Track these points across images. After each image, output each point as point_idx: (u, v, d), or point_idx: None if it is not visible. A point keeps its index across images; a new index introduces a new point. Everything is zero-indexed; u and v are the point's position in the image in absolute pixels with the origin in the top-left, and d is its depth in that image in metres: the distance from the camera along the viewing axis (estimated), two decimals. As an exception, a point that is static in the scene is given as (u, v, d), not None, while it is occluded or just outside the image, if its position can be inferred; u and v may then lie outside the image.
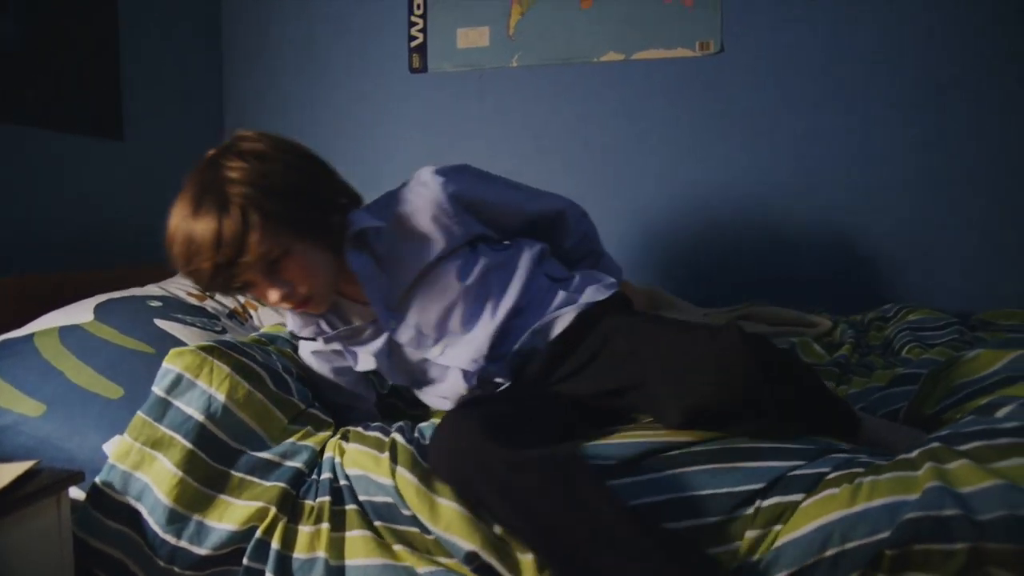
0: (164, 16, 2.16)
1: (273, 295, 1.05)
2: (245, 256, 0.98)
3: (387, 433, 1.09)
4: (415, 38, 2.25)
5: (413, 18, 2.24)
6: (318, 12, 2.33)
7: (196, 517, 1.04)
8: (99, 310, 1.42)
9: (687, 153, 2.06)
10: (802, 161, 1.98)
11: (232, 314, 1.72)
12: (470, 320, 1.14)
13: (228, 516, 1.03)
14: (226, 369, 1.11)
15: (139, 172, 2.07)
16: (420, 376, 1.23)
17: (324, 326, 1.24)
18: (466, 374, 1.15)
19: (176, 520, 1.03)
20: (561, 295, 1.17)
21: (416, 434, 1.08)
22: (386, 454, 1.03)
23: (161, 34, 2.15)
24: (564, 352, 1.12)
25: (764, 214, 2.02)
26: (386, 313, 1.15)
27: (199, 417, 1.07)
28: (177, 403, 1.08)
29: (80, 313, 1.39)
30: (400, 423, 1.13)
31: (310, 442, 1.11)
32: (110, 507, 1.05)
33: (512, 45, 2.16)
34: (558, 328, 1.13)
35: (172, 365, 1.11)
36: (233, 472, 1.07)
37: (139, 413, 1.08)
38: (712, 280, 2.05)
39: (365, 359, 1.22)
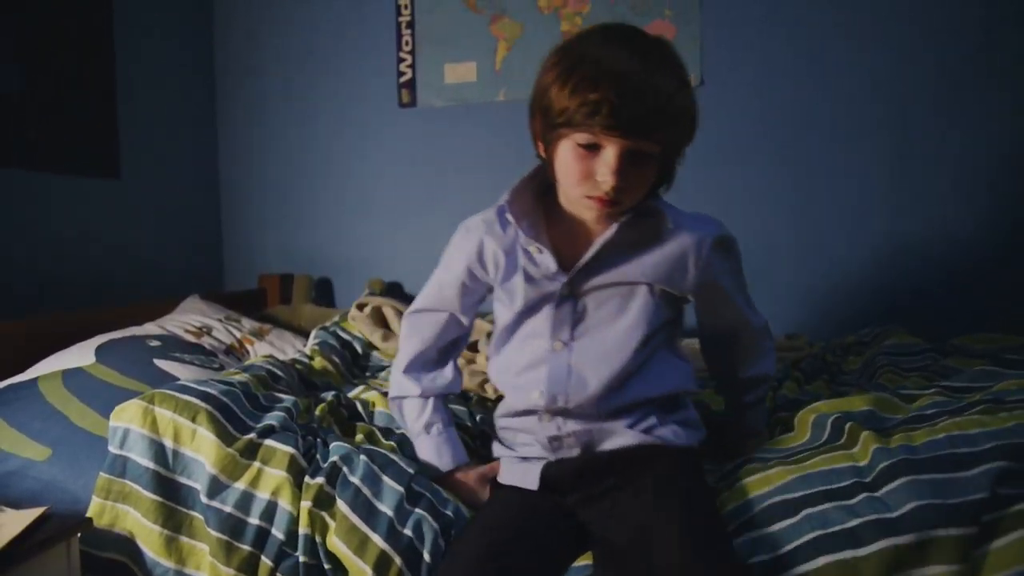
0: (159, 55, 2.22)
1: (610, 172, 0.89)
2: (654, 131, 0.89)
3: (375, 526, 1.04)
4: (404, 73, 2.31)
5: (402, 54, 2.31)
6: (309, 49, 2.39)
7: (173, 567, 1.10)
8: (100, 352, 1.46)
9: (670, 183, 2.12)
10: (780, 191, 2.05)
11: (229, 350, 1.76)
12: (613, 351, 1.01)
13: (204, 566, 1.09)
14: (168, 414, 1.15)
15: (136, 210, 2.12)
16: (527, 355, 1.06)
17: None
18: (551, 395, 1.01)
19: (161, 571, 1.10)
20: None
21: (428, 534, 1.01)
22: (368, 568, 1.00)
23: (156, 72, 2.20)
24: (601, 469, 1.01)
25: (744, 241, 2.08)
26: (571, 280, 1.00)
27: (152, 466, 1.13)
28: (132, 456, 1.14)
29: (82, 356, 1.44)
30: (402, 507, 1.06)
31: (265, 494, 1.11)
32: (99, 566, 1.12)
33: (499, 80, 2.23)
34: (618, 441, 1.02)
35: (118, 422, 1.16)
36: (195, 513, 1.12)
37: (101, 473, 1.13)
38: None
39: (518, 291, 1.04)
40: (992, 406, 1.03)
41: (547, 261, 1.00)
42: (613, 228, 0.97)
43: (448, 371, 1.20)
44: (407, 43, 2.30)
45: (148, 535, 1.11)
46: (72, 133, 1.89)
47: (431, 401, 1.16)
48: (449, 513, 1.04)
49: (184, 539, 1.12)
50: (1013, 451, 0.89)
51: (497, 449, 1.16)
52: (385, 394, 1.44)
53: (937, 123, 1.93)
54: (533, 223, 1.01)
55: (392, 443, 1.24)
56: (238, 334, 1.85)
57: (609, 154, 0.89)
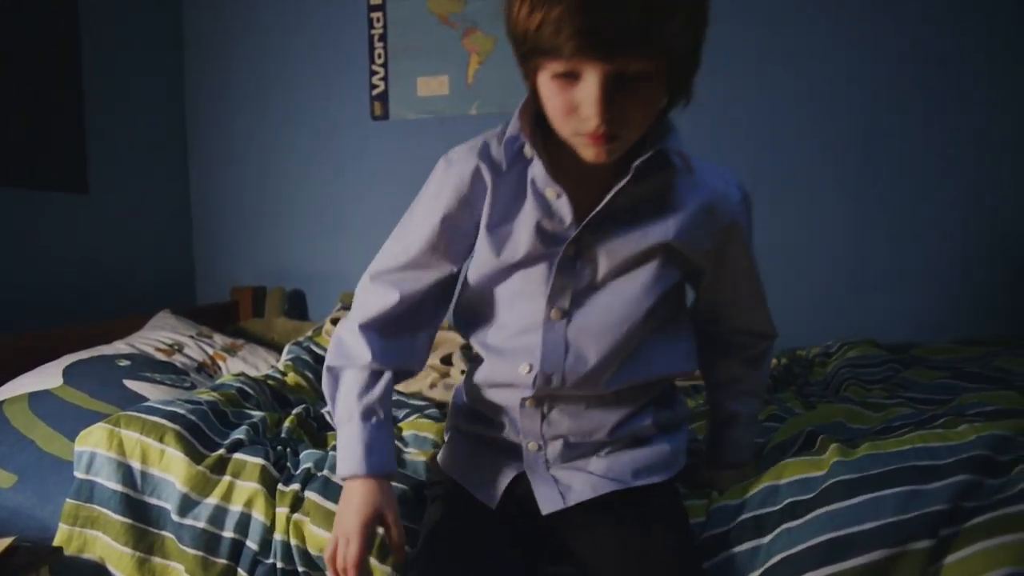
0: (128, 68, 2.19)
1: (593, 106, 0.71)
2: (637, 43, 0.68)
3: None
4: (376, 86, 2.31)
5: (374, 67, 2.31)
6: (281, 61, 2.38)
7: None
8: (68, 373, 1.45)
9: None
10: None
11: (201, 367, 1.75)
12: (612, 335, 0.85)
13: None
14: (135, 436, 1.15)
15: (105, 224, 2.09)
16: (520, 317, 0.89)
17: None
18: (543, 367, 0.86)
19: None
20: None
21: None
22: None
23: (126, 86, 2.18)
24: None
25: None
26: (579, 237, 0.83)
27: (121, 489, 1.13)
28: (99, 480, 1.13)
29: (49, 377, 1.42)
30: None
31: (238, 506, 1.12)
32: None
33: (471, 94, 2.24)
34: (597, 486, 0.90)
35: (83, 447, 1.15)
36: (166, 533, 1.12)
37: (68, 500, 1.13)
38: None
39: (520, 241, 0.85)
40: (954, 418, 1.06)
41: (563, 209, 0.82)
42: (627, 176, 0.79)
43: (421, 339, 0.93)
44: (380, 56, 2.30)
45: (119, 559, 1.10)
46: (38, 147, 1.86)
47: (385, 377, 0.89)
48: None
49: (157, 560, 1.12)
50: (974, 464, 0.92)
51: (455, 443, 1.00)
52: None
53: (908, 134, 1.98)
54: (544, 164, 0.81)
55: None
56: (210, 351, 1.84)
57: (589, 83, 0.70)
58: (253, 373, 1.75)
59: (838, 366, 1.66)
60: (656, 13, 0.67)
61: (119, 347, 1.66)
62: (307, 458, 1.17)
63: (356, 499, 0.85)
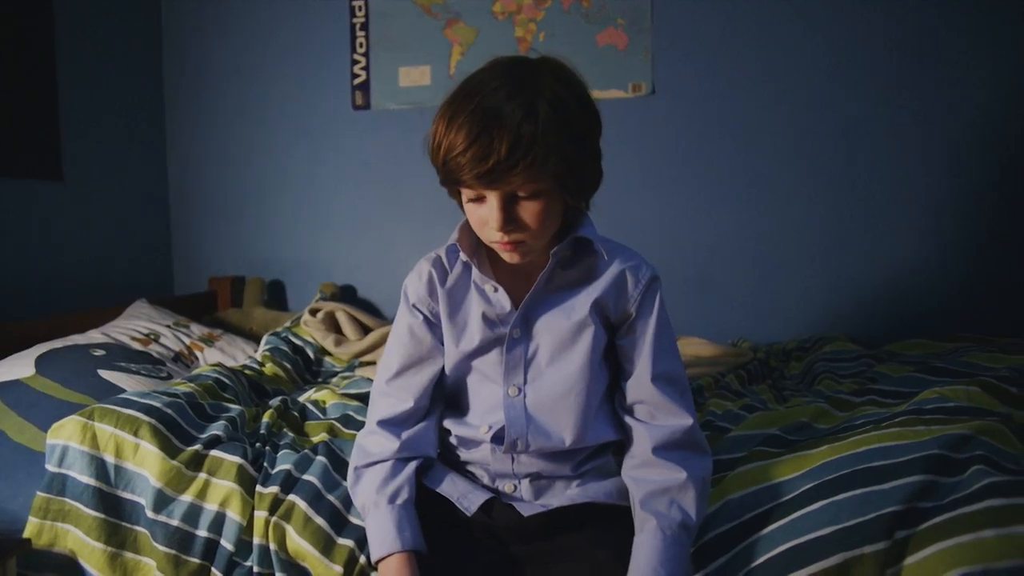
0: (103, 55, 2.16)
1: (495, 222, 0.86)
2: (508, 177, 0.83)
3: (341, 526, 1.06)
4: (358, 76, 2.30)
5: (356, 56, 2.29)
6: (261, 49, 2.36)
7: None
8: (40, 362, 1.43)
9: (621, 191, 2.16)
10: (731, 201, 2.10)
11: (178, 357, 1.74)
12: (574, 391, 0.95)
13: None
14: (109, 429, 1.15)
15: (80, 213, 2.07)
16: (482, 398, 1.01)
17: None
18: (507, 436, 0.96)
19: None
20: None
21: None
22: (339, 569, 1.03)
23: (101, 73, 2.15)
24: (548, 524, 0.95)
25: (693, 250, 2.13)
26: (519, 321, 0.96)
27: (94, 483, 1.12)
28: (72, 474, 1.12)
29: (21, 367, 1.40)
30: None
31: (213, 505, 1.11)
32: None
33: (453, 84, 2.20)
34: (565, 498, 0.96)
35: (56, 440, 1.15)
36: (140, 529, 1.12)
37: (38, 493, 1.12)
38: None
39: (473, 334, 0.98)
40: (912, 417, 1.08)
41: (502, 300, 0.95)
42: (551, 263, 0.93)
43: (431, 427, 1.01)
44: (361, 45, 2.29)
45: (91, 553, 1.10)
46: (9, 133, 1.83)
47: (410, 466, 0.96)
48: None
49: (129, 555, 1.12)
50: (929, 464, 0.93)
51: (435, 464, 1.06)
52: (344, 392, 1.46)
53: (885, 133, 2.00)
54: (482, 262, 0.97)
55: (354, 432, 1.25)
56: (187, 340, 1.83)
57: (490, 204, 0.86)
58: (231, 363, 1.74)
59: (812, 360, 1.69)
60: (520, 149, 0.81)
61: (94, 337, 1.64)
62: (285, 459, 1.16)
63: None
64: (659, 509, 0.88)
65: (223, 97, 2.40)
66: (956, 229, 1.97)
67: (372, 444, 0.98)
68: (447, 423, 1.02)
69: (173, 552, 1.09)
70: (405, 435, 0.97)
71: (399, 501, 0.93)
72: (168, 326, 1.85)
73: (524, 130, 0.81)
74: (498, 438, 0.96)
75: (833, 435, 1.11)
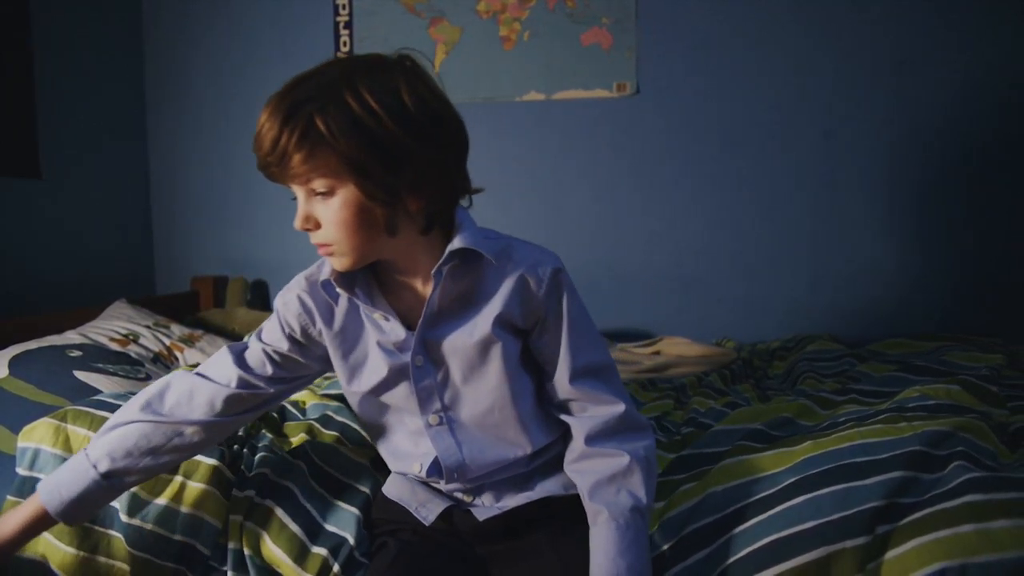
0: (83, 52, 2.14)
1: (297, 219, 0.85)
2: (290, 168, 0.81)
3: (316, 534, 1.04)
4: (342, 74, 2.28)
5: (339, 55, 2.28)
6: (244, 47, 2.34)
7: None
8: (14, 364, 1.41)
9: (605, 190, 2.16)
10: (715, 200, 2.10)
11: (157, 358, 1.72)
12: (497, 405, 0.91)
13: None
14: (82, 432, 1.12)
15: (59, 211, 2.04)
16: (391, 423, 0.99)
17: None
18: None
19: None
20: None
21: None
22: None
23: (81, 70, 2.12)
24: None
25: (679, 250, 2.13)
26: (420, 348, 0.90)
27: None
28: (43, 477, 1.08)
29: (-6, 368, 1.38)
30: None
31: (189, 508, 1.09)
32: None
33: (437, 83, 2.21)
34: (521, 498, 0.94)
35: (27, 443, 1.12)
36: (114, 532, 1.09)
37: (8, 497, 1.09)
38: (625, 314, 2.16)
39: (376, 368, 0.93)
40: (894, 415, 1.08)
41: (396, 329, 0.89)
42: (434, 283, 0.86)
43: (229, 422, 0.99)
44: (345, 44, 2.28)
45: (62, 558, 1.07)
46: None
47: (173, 441, 0.96)
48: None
49: (102, 559, 1.09)
50: (910, 460, 0.93)
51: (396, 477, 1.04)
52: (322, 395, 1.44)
53: (869, 134, 2.01)
54: (367, 291, 0.90)
55: (334, 433, 1.24)
56: (167, 341, 1.81)
57: (298, 201, 0.84)
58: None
59: (796, 360, 1.69)
60: (282, 145, 0.78)
61: (70, 337, 1.62)
62: (261, 462, 1.14)
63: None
64: (608, 498, 0.85)
65: (205, 94, 2.38)
66: (941, 229, 1.99)
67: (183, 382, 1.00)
68: (384, 456, 1.00)
69: (147, 556, 1.07)
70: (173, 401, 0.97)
71: (104, 469, 0.94)
72: (148, 326, 1.83)
73: (306, 121, 0.77)
74: (435, 469, 0.92)
75: (816, 431, 1.11)
